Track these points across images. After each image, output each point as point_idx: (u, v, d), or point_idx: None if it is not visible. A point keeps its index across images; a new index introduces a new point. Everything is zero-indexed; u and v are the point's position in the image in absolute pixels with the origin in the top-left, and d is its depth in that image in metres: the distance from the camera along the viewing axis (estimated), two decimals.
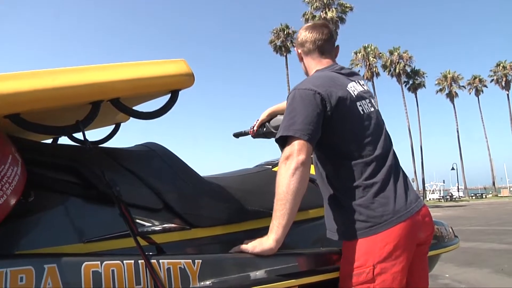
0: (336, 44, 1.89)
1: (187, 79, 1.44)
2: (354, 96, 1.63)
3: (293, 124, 1.51)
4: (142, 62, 1.43)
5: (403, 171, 1.68)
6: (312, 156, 1.64)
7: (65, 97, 1.21)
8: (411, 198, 1.58)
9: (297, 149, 1.49)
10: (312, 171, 2.00)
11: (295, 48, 1.93)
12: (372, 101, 1.72)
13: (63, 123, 1.32)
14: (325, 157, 1.68)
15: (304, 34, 1.84)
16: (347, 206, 1.56)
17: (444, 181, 57.92)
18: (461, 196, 48.33)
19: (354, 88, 1.67)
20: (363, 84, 1.75)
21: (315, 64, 1.82)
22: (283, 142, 1.55)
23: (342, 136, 1.60)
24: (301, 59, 1.89)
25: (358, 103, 1.63)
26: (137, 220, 1.41)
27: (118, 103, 1.35)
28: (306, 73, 1.88)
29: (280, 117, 2.10)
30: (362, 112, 1.62)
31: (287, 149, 1.51)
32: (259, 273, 1.43)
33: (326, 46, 1.82)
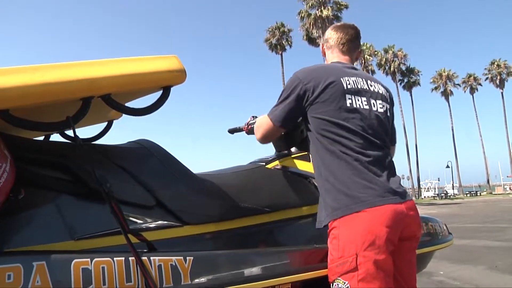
0: (359, 49, 1.99)
1: (179, 75, 1.43)
2: (345, 87, 1.68)
3: (274, 108, 1.76)
4: (133, 58, 1.42)
5: (392, 166, 1.71)
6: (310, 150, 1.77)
7: (54, 93, 1.20)
8: (396, 188, 1.61)
9: (263, 125, 1.80)
10: (306, 167, 2.00)
11: (322, 43, 2.04)
12: (374, 101, 1.74)
13: (54, 119, 1.31)
14: (313, 145, 1.72)
15: (330, 31, 1.97)
16: (328, 192, 1.61)
17: (439, 179, 58.14)
18: (456, 194, 48.49)
19: (351, 82, 1.71)
20: (371, 85, 1.78)
21: (333, 58, 1.91)
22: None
23: (327, 121, 1.64)
24: (324, 54, 2.00)
25: (348, 95, 1.67)
26: (129, 218, 1.40)
27: (109, 100, 1.34)
28: None
29: None
30: (349, 105, 1.66)
31: (264, 120, 1.80)
32: (251, 270, 1.42)
33: (348, 45, 1.91)
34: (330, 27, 2.02)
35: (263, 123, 1.81)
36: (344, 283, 1.48)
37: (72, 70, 1.24)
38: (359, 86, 1.73)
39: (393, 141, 1.89)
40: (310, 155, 1.78)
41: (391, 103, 1.88)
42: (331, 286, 1.53)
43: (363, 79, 1.78)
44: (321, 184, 1.66)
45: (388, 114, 1.81)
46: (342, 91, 1.67)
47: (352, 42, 1.92)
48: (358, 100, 1.69)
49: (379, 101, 1.76)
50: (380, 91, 1.81)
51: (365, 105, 1.70)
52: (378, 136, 1.69)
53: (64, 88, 1.20)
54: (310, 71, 1.73)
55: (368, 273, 1.46)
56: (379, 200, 1.54)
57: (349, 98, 1.67)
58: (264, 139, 1.88)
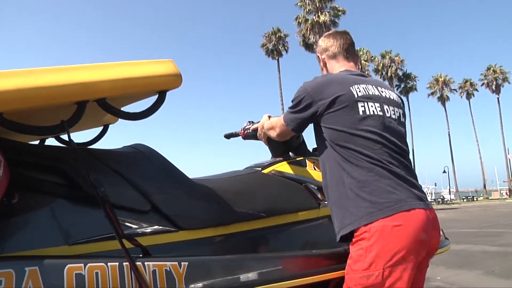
0: (357, 54, 1.98)
1: (175, 80, 1.43)
2: (355, 96, 1.65)
3: (287, 113, 1.79)
4: (129, 62, 1.41)
5: (413, 172, 1.68)
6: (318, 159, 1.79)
7: (48, 96, 1.19)
8: (421, 194, 1.59)
9: (279, 126, 1.86)
10: (302, 173, 2.00)
11: (317, 55, 2.00)
12: (386, 107, 1.71)
13: (49, 124, 1.30)
14: (325, 155, 1.70)
15: (328, 40, 1.94)
16: (350, 200, 1.56)
17: (435, 184, 58.30)
18: (453, 199, 48.55)
19: (361, 89, 1.68)
20: (382, 91, 1.75)
21: (339, 67, 1.88)
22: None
23: (339, 130, 1.63)
24: (325, 65, 1.95)
25: (360, 103, 1.65)
26: (124, 222, 1.39)
27: (105, 104, 1.34)
28: None
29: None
30: (361, 113, 1.63)
31: (279, 121, 1.86)
32: (246, 276, 1.41)
33: (350, 50, 1.92)
34: (324, 36, 1.99)
35: (278, 123, 1.87)
36: None
37: (67, 74, 1.23)
38: (370, 93, 1.70)
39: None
40: (322, 164, 1.75)
41: (404, 111, 1.84)
42: None
43: (373, 86, 1.75)
44: (341, 193, 1.60)
45: (402, 120, 1.78)
46: (353, 100, 1.64)
47: (352, 47, 1.92)
48: (372, 106, 1.67)
49: (391, 107, 1.73)
50: (392, 97, 1.78)
51: (379, 111, 1.68)
52: (395, 141, 1.65)
53: (58, 91, 1.20)
54: (319, 84, 1.70)
55: None
56: (407, 205, 1.50)
57: (361, 106, 1.65)
58: (279, 137, 1.93)
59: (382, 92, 1.76)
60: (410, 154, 1.75)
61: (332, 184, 1.66)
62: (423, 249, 1.52)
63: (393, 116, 1.72)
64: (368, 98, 1.68)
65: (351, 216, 1.54)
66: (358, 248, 1.51)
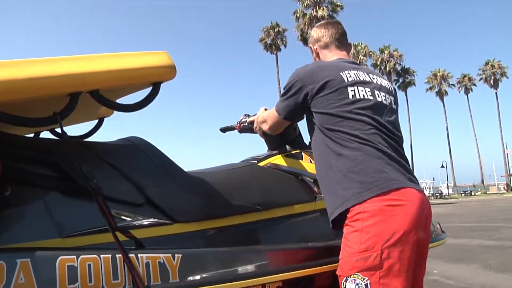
0: (349, 42, 1.98)
1: (169, 71, 1.41)
2: (345, 80, 1.67)
3: (279, 101, 1.80)
4: (122, 54, 1.40)
5: (405, 156, 1.67)
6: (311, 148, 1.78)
7: (40, 87, 1.17)
8: (412, 177, 1.58)
9: (271, 118, 1.87)
10: (298, 166, 1.99)
11: (310, 45, 2.02)
12: (377, 92, 1.71)
13: (42, 116, 1.29)
14: (315, 141, 1.71)
15: (320, 30, 1.95)
16: (339, 183, 1.54)
17: (433, 178, 58.36)
18: (451, 194, 48.66)
19: (351, 74, 1.70)
20: (373, 78, 1.77)
21: (332, 56, 1.90)
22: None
23: (328, 113, 1.63)
24: (317, 55, 1.97)
25: (350, 88, 1.66)
26: (118, 215, 1.38)
27: (98, 95, 1.32)
28: None
29: None
30: (351, 97, 1.64)
31: (271, 113, 1.87)
32: (240, 268, 1.41)
33: (342, 39, 1.93)
34: (316, 27, 2.00)
35: (270, 115, 1.88)
36: (364, 279, 1.39)
37: (59, 65, 1.22)
38: (361, 78, 1.72)
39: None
40: (314, 152, 1.75)
41: (396, 98, 1.84)
42: (344, 281, 1.44)
43: (365, 72, 1.77)
44: (330, 178, 1.59)
45: (394, 106, 1.78)
46: (343, 85, 1.66)
47: (344, 36, 1.94)
48: (362, 90, 1.67)
49: (383, 93, 1.74)
50: (383, 84, 1.79)
51: (369, 95, 1.68)
52: (386, 124, 1.64)
53: (50, 83, 1.18)
54: (310, 69, 1.72)
55: (391, 270, 1.39)
56: (396, 183, 1.48)
57: (351, 90, 1.66)
58: (271, 130, 1.93)
59: (374, 78, 1.77)
60: (404, 142, 1.75)
61: (322, 170, 1.66)
62: (420, 228, 1.48)
63: (384, 102, 1.72)
64: (358, 83, 1.69)
65: (340, 199, 1.53)
66: (353, 230, 1.47)
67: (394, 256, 1.40)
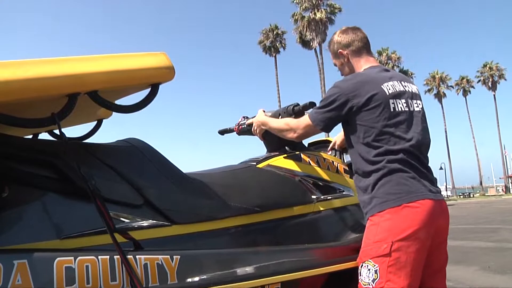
0: None
1: (167, 72, 1.41)
2: (387, 94, 1.75)
3: (316, 113, 1.82)
4: (120, 55, 1.40)
5: (429, 168, 1.79)
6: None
7: (38, 88, 1.17)
8: (434, 186, 1.72)
9: (303, 127, 1.87)
10: (297, 167, 1.99)
11: (338, 51, 1.96)
12: (411, 101, 1.81)
13: (40, 117, 1.28)
14: (356, 147, 1.78)
15: (348, 35, 1.94)
16: (369, 187, 1.70)
17: None
18: (449, 196, 48.65)
19: (390, 86, 1.78)
20: (406, 86, 1.84)
21: (364, 62, 1.92)
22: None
23: (368, 127, 1.73)
24: (347, 60, 1.95)
25: (391, 101, 1.75)
26: (117, 216, 1.37)
27: (96, 96, 1.32)
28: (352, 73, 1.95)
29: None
30: (392, 110, 1.74)
31: (304, 121, 1.87)
32: (239, 270, 1.41)
33: (369, 45, 1.96)
34: (340, 32, 1.98)
35: (301, 124, 1.88)
36: (374, 265, 1.59)
37: (57, 66, 1.22)
38: (398, 89, 1.79)
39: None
40: (352, 159, 1.84)
41: (421, 100, 1.92)
42: (360, 266, 1.64)
43: (398, 81, 1.83)
44: (362, 186, 1.75)
45: (424, 111, 1.87)
46: (386, 98, 1.73)
47: (369, 41, 1.97)
48: (400, 103, 1.76)
49: (415, 101, 1.83)
50: (414, 90, 1.87)
51: (405, 107, 1.78)
52: (417, 135, 1.75)
53: (48, 84, 1.18)
54: (354, 84, 1.77)
55: (398, 261, 1.56)
56: (415, 196, 1.63)
57: (392, 103, 1.74)
58: (300, 138, 1.95)
59: (406, 86, 1.84)
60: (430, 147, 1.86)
61: (357, 177, 1.80)
62: (429, 231, 1.64)
63: (417, 109, 1.82)
64: (397, 95, 1.77)
65: (366, 205, 1.71)
66: (371, 224, 1.68)
67: (403, 249, 1.57)
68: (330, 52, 2.03)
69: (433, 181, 1.75)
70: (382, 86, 1.75)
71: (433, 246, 1.69)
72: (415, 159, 1.71)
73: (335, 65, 2.02)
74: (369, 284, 1.58)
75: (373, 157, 1.70)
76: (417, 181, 1.67)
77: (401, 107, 1.76)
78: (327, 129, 1.83)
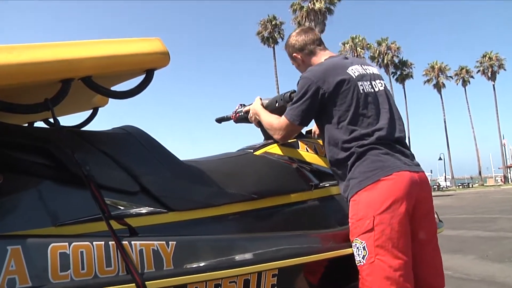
0: None
1: (162, 58, 1.39)
2: (354, 77, 1.81)
3: (290, 109, 1.86)
4: (115, 40, 1.38)
5: (404, 141, 1.85)
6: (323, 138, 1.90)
7: (30, 73, 1.15)
8: (409, 161, 1.75)
9: (283, 128, 1.89)
10: (295, 154, 1.98)
11: (293, 55, 2.08)
12: (374, 82, 1.87)
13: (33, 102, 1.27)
14: (330, 135, 1.82)
15: (299, 39, 2.03)
16: (347, 171, 1.76)
17: (431, 171, 58.31)
18: (448, 186, 48.87)
19: (354, 69, 1.84)
20: (366, 68, 1.91)
21: (321, 56, 1.99)
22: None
23: (343, 112, 1.77)
24: (302, 62, 2.05)
25: (359, 83, 1.81)
26: (112, 203, 1.36)
27: (90, 82, 1.30)
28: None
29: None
30: (361, 91, 1.80)
31: (282, 122, 1.89)
32: (236, 256, 1.40)
33: (322, 41, 2.05)
34: (293, 35, 2.07)
35: (281, 125, 1.90)
36: (361, 242, 1.63)
37: (50, 51, 1.19)
38: (361, 72, 1.85)
39: None
40: (325, 144, 1.88)
41: (383, 79, 1.99)
42: (352, 247, 1.68)
43: (359, 65, 1.90)
44: (341, 169, 1.79)
45: (387, 88, 1.93)
46: (354, 81, 1.80)
47: (321, 38, 2.07)
48: (365, 85, 1.82)
49: (378, 81, 1.90)
50: (374, 71, 1.94)
51: (370, 88, 1.84)
52: (386, 113, 1.82)
53: (40, 68, 1.16)
54: (319, 70, 1.82)
55: (384, 234, 1.60)
56: (396, 167, 1.68)
57: (360, 85, 1.81)
58: (284, 138, 1.96)
59: (367, 69, 1.91)
60: (404, 124, 1.91)
61: (332, 162, 1.84)
62: (409, 201, 1.66)
63: (381, 89, 1.89)
64: (362, 77, 1.84)
65: (346, 188, 1.76)
66: (353, 203, 1.72)
67: (385, 221, 1.61)
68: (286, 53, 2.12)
69: (409, 155, 1.79)
70: (347, 71, 1.81)
71: (419, 217, 1.72)
72: (388, 136, 1.76)
73: (293, 65, 2.12)
74: (361, 262, 1.63)
75: (348, 142, 1.74)
76: (390, 156, 1.72)
77: (367, 89, 1.82)
78: (304, 122, 1.85)
